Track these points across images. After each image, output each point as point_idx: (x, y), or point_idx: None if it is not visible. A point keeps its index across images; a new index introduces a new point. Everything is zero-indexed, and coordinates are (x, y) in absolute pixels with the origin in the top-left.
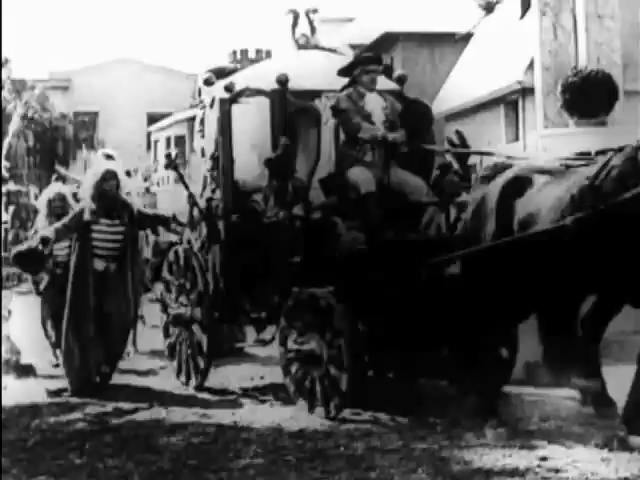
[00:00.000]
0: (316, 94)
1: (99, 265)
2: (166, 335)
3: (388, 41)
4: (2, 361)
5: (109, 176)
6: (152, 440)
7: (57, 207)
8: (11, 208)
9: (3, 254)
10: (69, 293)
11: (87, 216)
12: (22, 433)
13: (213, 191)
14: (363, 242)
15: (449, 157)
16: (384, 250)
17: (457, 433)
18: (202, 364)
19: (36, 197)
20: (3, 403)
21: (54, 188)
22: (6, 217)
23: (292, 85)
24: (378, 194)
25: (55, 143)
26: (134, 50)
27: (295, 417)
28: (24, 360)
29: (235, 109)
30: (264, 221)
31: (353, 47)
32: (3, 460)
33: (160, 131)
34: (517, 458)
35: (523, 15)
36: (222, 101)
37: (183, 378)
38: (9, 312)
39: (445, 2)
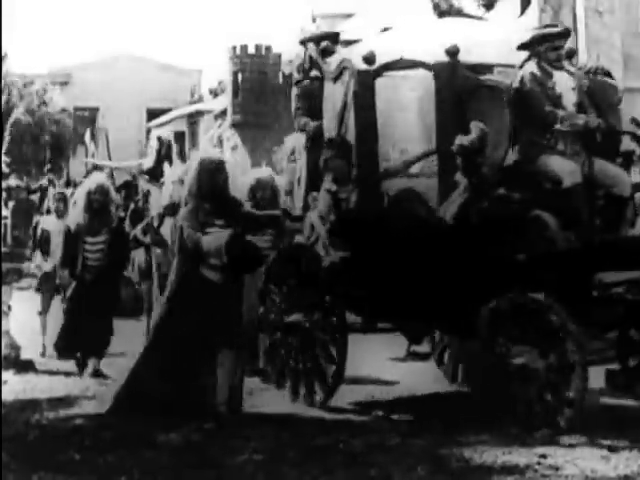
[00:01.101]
0: (486, 69)
1: (213, 276)
2: (271, 352)
3: None
4: (2, 356)
5: (220, 168)
6: (152, 436)
7: (97, 200)
8: (11, 204)
9: (3, 249)
10: (164, 309)
11: (202, 218)
12: (22, 428)
13: (337, 181)
14: (575, 241)
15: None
16: (607, 250)
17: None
18: (329, 378)
19: (35, 191)
20: (3, 398)
21: (95, 179)
22: (6, 213)
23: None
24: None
25: (55, 138)
26: (134, 46)
27: None
28: (24, 355)
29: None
30: (435, 218)
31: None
32: (3, 455)
33: (160, 127)
34: (517, 455)
35: (523, 12)
36: (362, 74)
37: (301, 397)
38: (9, 307)
39: None
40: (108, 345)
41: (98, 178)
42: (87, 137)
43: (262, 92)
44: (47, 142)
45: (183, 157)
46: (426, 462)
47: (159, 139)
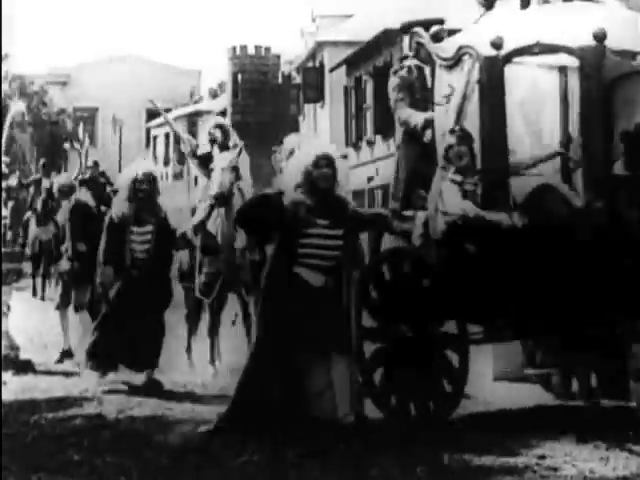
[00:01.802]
0: (628, 55)
1: (315, 279)
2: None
3: (387, 38)
4: (1, 357)
5: (323, 163)
6: (151, 437)
7: (143, 190)
8: (10, 204)
9: (3, 249)
10: (261, 317)
11: (303, 214)
12: (21, 429)
13: (462, 173)
14: None
15: None
16: None
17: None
18: (447, 394)
19: (28, 185)
20: (2, 399)
21: (142, 166)
22: (5, 213)
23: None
24: None
25: (54, 138)
26: (133, 46)
27: None
28: (23, 356)
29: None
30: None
31: (351, 44)
32: (2, 455)
33: (159, 127)
34: (516, 456)
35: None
36: (489, 60)
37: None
38: (8, 308)
39: None
40: (160, 350)
41: (145, 165)
42: (80, 134)
43: (262, 93)
44: (46, 142)
45: (182, 158)
46: (426, 463)
47: (221, 126)
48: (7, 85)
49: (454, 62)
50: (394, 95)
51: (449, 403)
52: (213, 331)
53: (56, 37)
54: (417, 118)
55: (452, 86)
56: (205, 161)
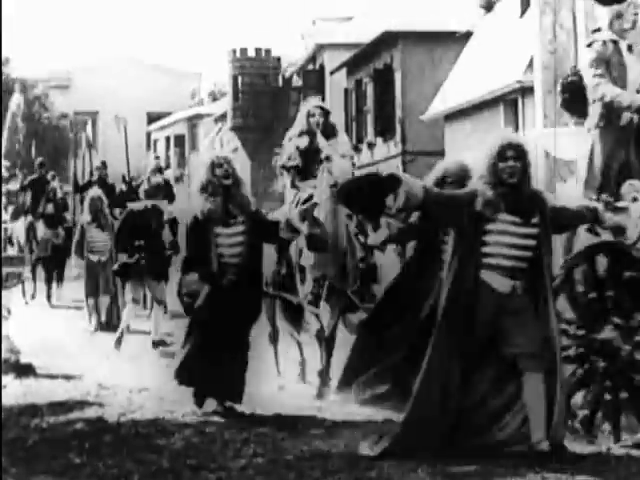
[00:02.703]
0: None
1: (501, 284)
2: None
3: (387, 40)
4: (2, 360)
5: (511, 154)
6: (152, 440)
7: (224, 177)
8: (10, 208)
9: (3, 254)
10: (441, 326)
11: (480, 208)
12: (22, 432)
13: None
14: None
15: None
16: None
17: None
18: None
19: (26, 187)
20: (3, 402)
21: (214, 153)
22: (6, 216)
23: None
24: None
25: (55, 142)
26: (134, 50)
27: None
28: (23, 359)
29: None
30: None
31: (351, 46)
32: (3, 459)
33: (160, 130)
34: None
35: (523, 14)
36: None
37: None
38: (9, 311)
39: (445, 1)
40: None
41: (217, 153)
42: (84, 140)
43: (262, 95)
44: (47, 146)
45: (183, 161)
46: (426, 464)
47: (321, 107)
48: (8, 89)
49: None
50: (591, 71)
51: None
52: (329, 349)
53: (57, 41)
54: (627, 98)
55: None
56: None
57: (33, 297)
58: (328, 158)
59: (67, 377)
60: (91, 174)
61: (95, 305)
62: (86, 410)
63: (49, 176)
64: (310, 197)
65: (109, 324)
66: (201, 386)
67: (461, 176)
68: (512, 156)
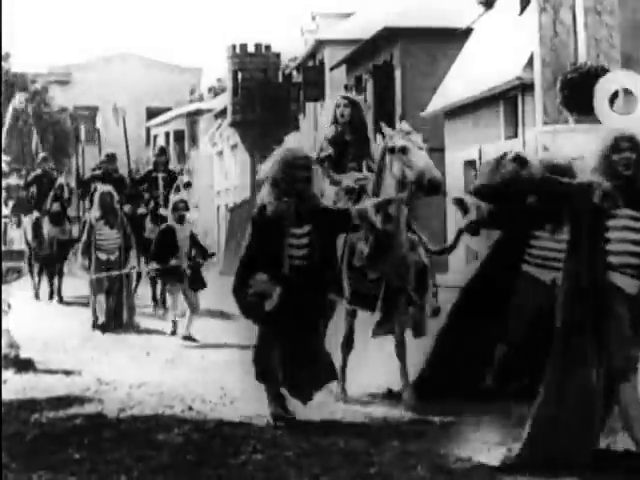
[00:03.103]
0: None
1: (629, 285)
2: None
3: (387, 36)
4: (1, 355)
5: (625, 146)
6: (152, 436)
7: (303, 180)
8: (11, 203)
9: (3, 248)
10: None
11: (598, 200)
12: (21, 427)
13: None
14: None
15: None
16: None
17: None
18: None
19: (30, 184)
20: (2, 397)
21: (291, 151)
22: (6, 211)
23: None
24: None
25: (55, 137)
26: (133, 44)
27: None
28: (23, 354)
29: None
30: None
31: (351, 42)
32: (3, 454)
33: (159, 126)
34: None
35: (522, 11)
36: None
37: None
38: (9, 306)
39: None
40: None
41: (295, 148)
42: (82, 134)
43: (262, 91)
44: (47, 141)
45: (183, 156)
46: (426, 461)
47: (348, 98)
48: (8, 84)
49: None
50: None
51: None
52: (403, 354)
53: (57, 36)
54: None
55: None
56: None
57: (37, 296)
58: (404, 150)
59: (67, 372)
60: (94, 169)
61: (104, 304)
62: (86, 405)
63: (55, 173)
64: (353, 189)
65: (111, 323)
66: (283, 386)
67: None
68: (627, 147)
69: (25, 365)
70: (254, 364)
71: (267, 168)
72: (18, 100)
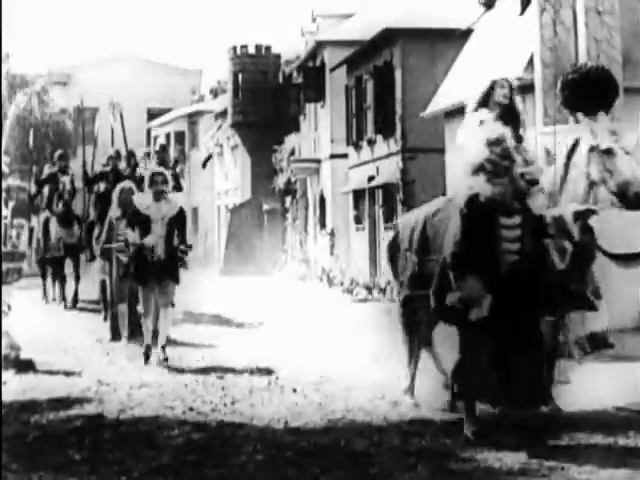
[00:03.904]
0: None
1: None
2: None
3: (388, 37)
4: (2, 356)
5: None
6: (152, 436)
7: (508, 157)
8: (11, 204)
9: (4, 249)
10: None
11: None
12: (22, 428)
13: None
14: None
15: None
16: None
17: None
18: None
19: (43, 183)
20: (3, 398)
21: (488, 131)
22: (6, 212)
23: None
24: None
25: (55, 138)
26: (134, 46)
27: None
28: (24, 355)
29: None
30: None
31: (351, 43)
32: (3, 455)
33: (160, 127)
34: (516, 455)
35: (523, 11)
36: None
37: None
38: (9, 307)
39: None
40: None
41: (491, 128)
42: (84, 133)
43: (262, 92)
44: (48, 142)
45: (183, 157)
46: (426, 461)
47: (508, 81)
48: (8, 85)
49: None
50: None
51: None
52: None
53: (56, 37)
54: None
55: None
56: None
57: (47, 300)
58: (609, 152)
59: (67, 373)
60: (103, 165)
61: (126, 314)
62: (86, 406)
63: (56, 168)
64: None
65: (135, 335)
66: (498, 398)
67: None
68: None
69: (25, 366)
70: (453, 379)
71: (470, 157)
72: (19, 101)
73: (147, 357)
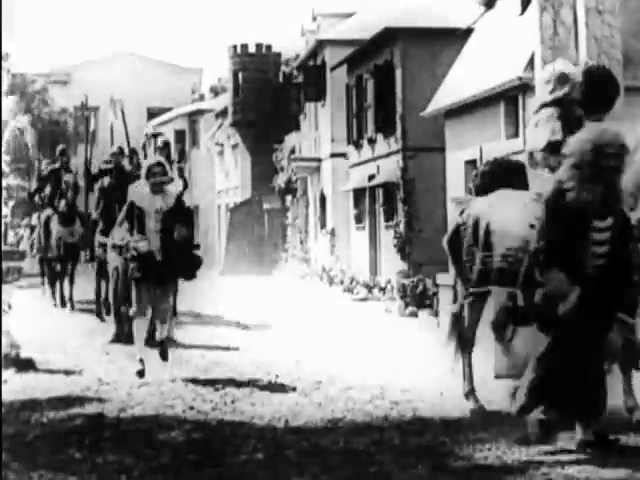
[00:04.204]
0: None
1: None
2: None
3: (388, 36)
4: (2, 355)
5: None
6: (152, 435)
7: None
8: (11, 202)
9: (4, 248)
10: None
11: None
12: (22, 427)
13: None
14: None
15: None
16: None
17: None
18: None
19: (46, 179)
20: (3, 397)
21: (600, 130)
22: (6, 211)
23: None
24: None
25: (55, 137)
26: (134, 45)
27: None
28: (24, 354)
29: None
30: None
31: (352, 42)
32: (3, 454)
33: (160, 126)
34: (517, 454)
35: (523, 11)
36: None
37: None
38: (9, 306)
39: None
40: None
41: (604, 128)
42: (92, 127)
43: (263, 91)
44: (48, 141)
45: (183, 156)
46: (426, 460)
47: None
48: (8, 84)
49: None
50: None
51: None
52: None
53: (57, 36)
54: None
55: None
56: None
57: (56, 305)
58: None
59: (67, 372)
60: (105, 162)
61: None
62: (86, 405)
63: (58, 165)
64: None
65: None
66: (569, 408)
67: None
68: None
69: (25, 365)
70: (533, 385)
71: (574, 144)
72: (12, 102)
73: (141, 374)
